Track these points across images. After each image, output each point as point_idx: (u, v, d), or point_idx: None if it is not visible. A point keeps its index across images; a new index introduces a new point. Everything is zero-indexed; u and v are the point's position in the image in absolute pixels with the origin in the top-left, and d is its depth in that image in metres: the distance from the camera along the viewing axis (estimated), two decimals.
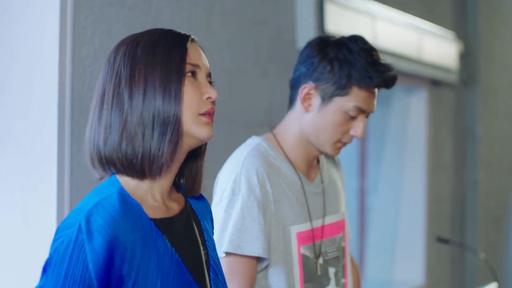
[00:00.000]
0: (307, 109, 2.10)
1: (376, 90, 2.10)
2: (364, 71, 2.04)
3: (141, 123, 1.43)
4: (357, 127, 2.08)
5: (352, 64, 2.05)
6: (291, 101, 2.14)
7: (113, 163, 1.45)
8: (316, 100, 2.08)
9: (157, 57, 1.46)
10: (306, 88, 2.09)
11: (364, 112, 2.08)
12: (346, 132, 2.09)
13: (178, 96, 1.45)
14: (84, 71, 2.50)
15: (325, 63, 2.07)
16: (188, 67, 1.47)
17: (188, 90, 1.46)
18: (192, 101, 1.46)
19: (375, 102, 2.10)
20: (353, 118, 2.07)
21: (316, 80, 2.08)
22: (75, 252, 1.34)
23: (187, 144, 1.48)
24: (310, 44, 2.13)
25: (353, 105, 2.06)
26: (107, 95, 1.46)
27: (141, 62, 1.46)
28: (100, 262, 1.34)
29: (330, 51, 2.08)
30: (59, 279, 1.34)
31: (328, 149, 2.10)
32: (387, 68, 2.07)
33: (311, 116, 2.09)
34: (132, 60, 1.46)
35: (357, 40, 2.09)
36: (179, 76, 1.46)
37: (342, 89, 2.05)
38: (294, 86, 2.13)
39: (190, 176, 1.57)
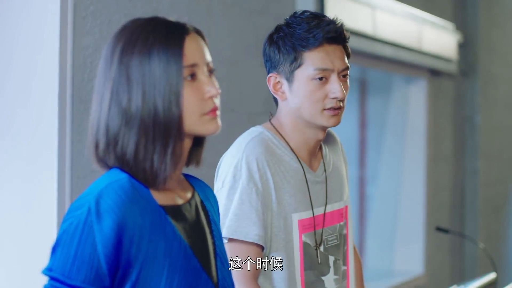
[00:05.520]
0: (282, 98, 2.12)
1: (333, 47, 2.08)
2: (306, 34, 2.06)
3: (142, 134, 1.41)
4: (333, 89, 2.07)
5: (292, 34, 2.07)
6: (274, 98, 2.16)
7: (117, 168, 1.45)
8: (284, 85, 2.10)
9: (153, 65, 1.42)
10: (271, 78, 2.12)
11: (331, 71, 2.07)
12: (325, 97, 2.07)
13: (178, 104, 1.42)
14: (85, 60, 2.51)
15: (273, 47, 2.11)
16: (185, 71, 1.43)
17: (188, 95, 1.43)
18: (193, 105, 1.44)
19: (339, 58, 2.08)
20: (324, 82, 2.07)
21: (274, 67, 2.11)
22: (84, 233, 1.34)
23: (193, 137, 1.48)
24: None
25: (313, 69, 2.06)
26: (104, 102, 1.44)
27: (136, 72, 1.43)
28: (109, 244, 1.35)
29: (274, 35, 2.12)
30: (68, 260, 1.34)
31: (321, 121, 2.09)
32: (329, 22, 2.08)
33: (289, 102, 2.11)
34: (128, 69, 1.43)
35: (295, 14, 2.12)
36: (178, 85, 1.43)
37: (295, 61, 2.07)
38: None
39: (192, 151, 1.54)
